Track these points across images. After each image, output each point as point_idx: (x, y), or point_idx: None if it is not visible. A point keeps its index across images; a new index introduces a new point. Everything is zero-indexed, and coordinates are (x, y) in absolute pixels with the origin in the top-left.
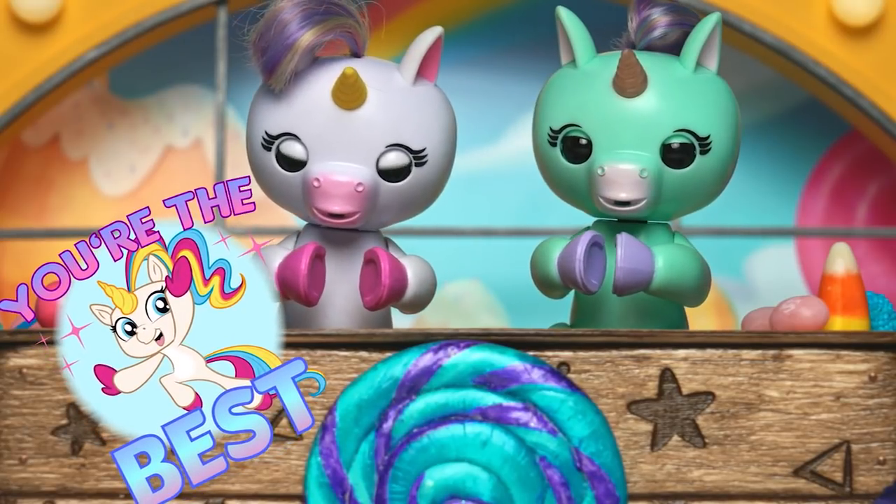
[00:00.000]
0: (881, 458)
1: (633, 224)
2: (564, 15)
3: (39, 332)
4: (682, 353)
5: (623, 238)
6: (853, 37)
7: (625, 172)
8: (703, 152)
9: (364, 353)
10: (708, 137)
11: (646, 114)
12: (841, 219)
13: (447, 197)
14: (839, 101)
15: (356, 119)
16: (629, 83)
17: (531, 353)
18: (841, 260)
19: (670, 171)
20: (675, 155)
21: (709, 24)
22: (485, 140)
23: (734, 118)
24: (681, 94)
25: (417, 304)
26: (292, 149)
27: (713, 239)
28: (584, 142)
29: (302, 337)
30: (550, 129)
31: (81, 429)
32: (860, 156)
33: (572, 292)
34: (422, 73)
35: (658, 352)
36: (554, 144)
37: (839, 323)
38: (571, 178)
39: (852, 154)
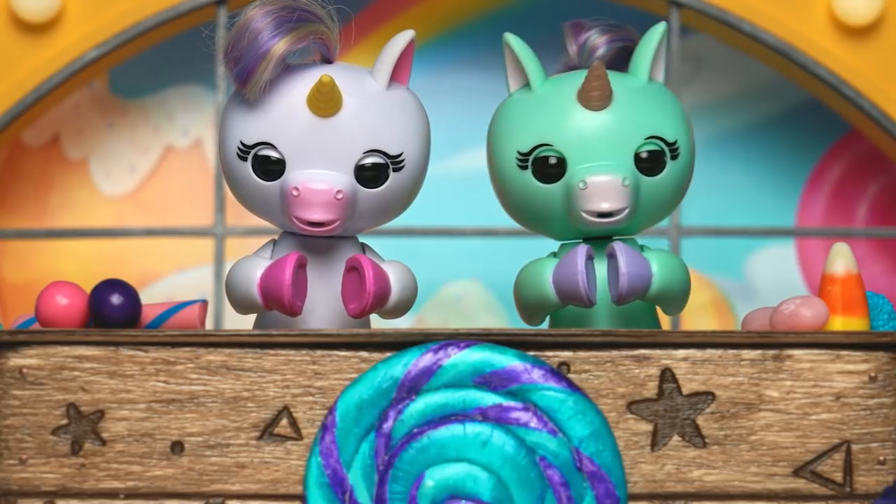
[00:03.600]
0: (881, 458)
1: (603, 241)
2: (513, 41)
3: (39, 332)
4: (682, 353)
5: (620, 246)
6: (853, 37)
7: (607, 183)
8: (673, 157)
9: (364, 353)
10: (676, 142)
11: (617, 124)
12: (841, 219)
13: (447, 197)
14: (839, 101)
15: (333, 126)
16: (597, 95)
17: (531, 353)
18: (841, 260)
19: (644, 178)
20: (647, 163)
21: (655, 36)
22: (485, 140)
23: (689, 125)
24: (644, 102)
25: (400, 310)
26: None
27: (713, 239)
28: (554, 160)
29: (302, 337)
30: (518, 153)
31: (81, 429)
32: (860, 156)
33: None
34: (395, 77)
35: (658, 352)
36: (525, 167)
37: (839, 323)
38: (544, 199)
39: (852, 154)
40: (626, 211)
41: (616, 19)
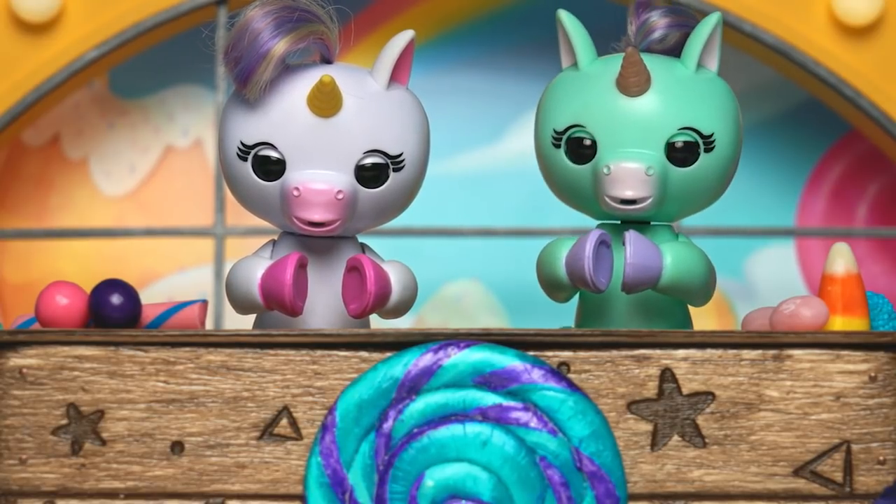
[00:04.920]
0: (881, 458)
1: (637, 224)
2: (565, 18)
3: (39, 332)
4: (682, 353)
5: (631, 235)
6: (853, 37)
7: (631, 171)
8: (708, 150)
9: (364, 353)
10: (712, 136)
11: (650, 112)
12: (841, 219)
13: (447, 197)
14: (839, 101)
15: (333, 126)
16: (633, 81)
17: (531, 353)
18: (841, 260)
19: (675, 169)
20: (680, 153)
21: (709, 24)
22: (485, 140)
23: (736, 118)
24: (684, 92)
25: (400, 310)
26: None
27: (713, 239)
28: (588, 142)
29: (302, 337)
30: (554, 130)
31: (81, 429)
32: (860, 156)
33: (577, 296)
34: (394, 77)
35: (658, 352)
36: (558, 146)
37: (839, 323)
38: (576, 179)
39: (852, 154)
40: (650, 200)
41: (615, 18)
